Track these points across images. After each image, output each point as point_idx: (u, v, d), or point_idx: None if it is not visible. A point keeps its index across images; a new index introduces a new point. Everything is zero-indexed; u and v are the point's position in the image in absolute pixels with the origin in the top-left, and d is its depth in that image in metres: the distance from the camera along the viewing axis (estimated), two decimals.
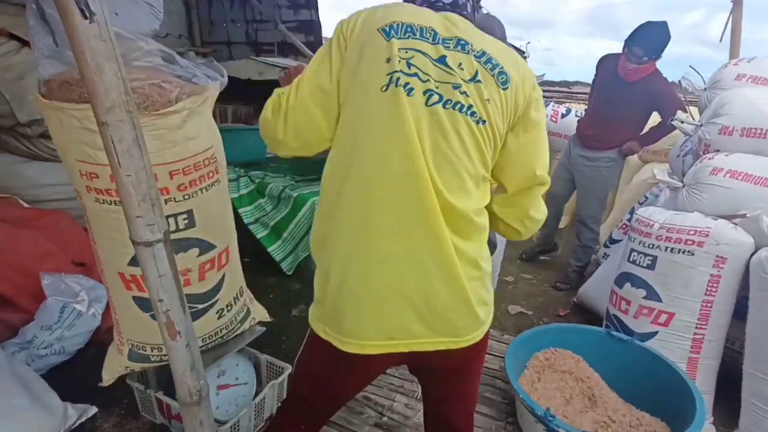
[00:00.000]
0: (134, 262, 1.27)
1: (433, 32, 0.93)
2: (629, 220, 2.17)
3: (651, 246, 1.96)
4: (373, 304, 0.96)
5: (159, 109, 1.21)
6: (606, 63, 2.97)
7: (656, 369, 1.79)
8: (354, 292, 0.96)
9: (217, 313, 1.57)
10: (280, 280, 2.92)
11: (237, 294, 1.66)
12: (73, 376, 1.92)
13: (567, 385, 1.86)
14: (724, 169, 1.94)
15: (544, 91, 4.05)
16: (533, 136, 1.02)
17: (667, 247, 1.90)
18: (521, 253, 3.75)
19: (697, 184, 2.00)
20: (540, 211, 1.12)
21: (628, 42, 2.70)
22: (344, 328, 0.98)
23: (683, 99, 2.71)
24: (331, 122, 0.99)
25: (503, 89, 0.94)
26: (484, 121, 0.93)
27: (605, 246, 3.29)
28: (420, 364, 1.10)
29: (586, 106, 3.87)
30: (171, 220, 1.33)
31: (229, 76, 4.15)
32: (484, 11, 2.40)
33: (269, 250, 2.91)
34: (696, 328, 1.86)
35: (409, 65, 0.91)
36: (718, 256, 1.80)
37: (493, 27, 1.77)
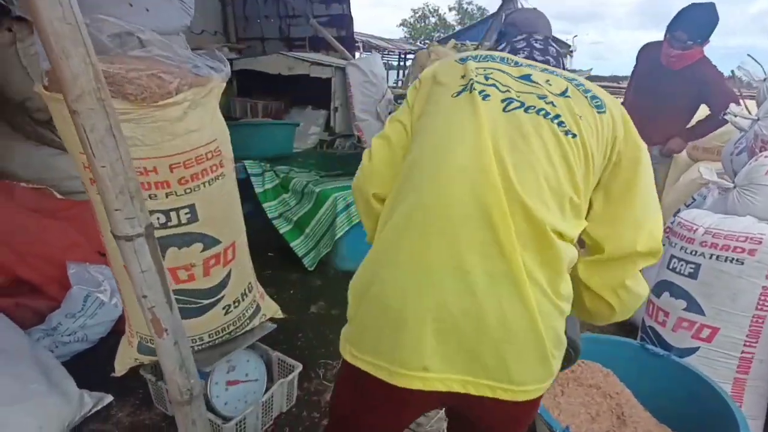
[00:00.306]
0: None
1: (514, 61, 0.94)
2: (672, 223, 1.98)
3: (694, 253, 1.77)
4: (406, 320, 0.78)
5: (158, 100, 1.18)
6: (648, 51, 2.74)
7: (696, 389, 1.62)
8: (385, 303, 0.81)
9: (223, 309, 1.54)
10: (301, 275, 2.90)
11: (245, 290, 1.63)
12: (94, 364, 1.96)
13: (593, 400, 1.71)
14: None
15: None
16: (636, 182, 0.86)
17: (712, 255, 1.71)
18: None
19: (750, 185, 1.79)
20: (641, 284, 0.91)
21: (671, 26, 2.47)
22: (367, 345, 0.84)
23: (738, 92, 2.45)
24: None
25: (598, 112, 0.85)
26: (574, 135, 0.82)
27: None
28: (459, 409, 0.90)
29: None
30: (173, 214, 1.31)
31: (259, 72, 4.20)
32: (528, 5, 2.24)
33: (292, 245, 2.89)
34: (744, 345, 1.67)
35: (486, 77, 0.88)
36: None
37: (536, 21, 1.64)
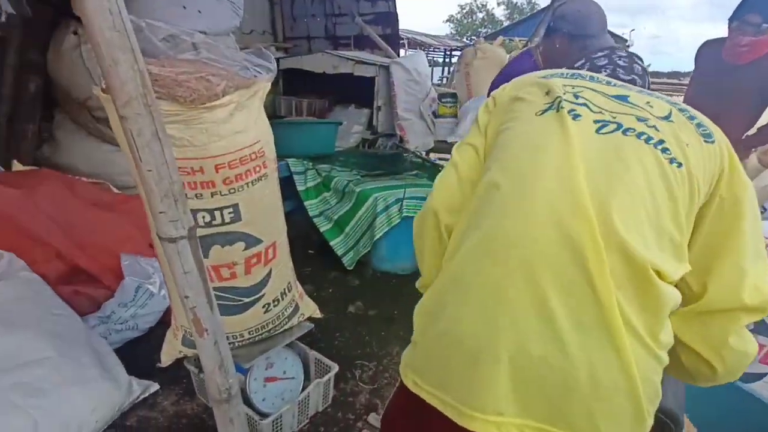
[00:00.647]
0: None
1: (606, 80, 0.87)
2: None
3: None
4: (480, 359, 0.71)
5: (205, 102, 1.20)
6: (708, 48, 2.53)
7: (762, 420, 1.48)
8: (455, 336, 0.74)
9: (263, 307, 1.57)
10: (340, 274, 2.91)
11: (285, 289, 1.65)
12: (142, 353, 2.06)
13: None
14: None
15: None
16: (742, 224, 0.75)
17: None
18: None
19: None
20: (747, 341, 0.78)
21: (738, 12, 2.27)
22: (432, 376, 0.77)
23: None
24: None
25: (706, 142, 0.75)
26: (680, 164, 0.72)
27: None
28: None
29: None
30: (217, 213, 1.34)
31: (304, 70, 4.25)
32: None
33: (331, 244, 2.91)
34: None
35: (575, 96, 0.80)
36: None
37: (589, 15, 1.55)
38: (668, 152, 0.72)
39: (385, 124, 3.91)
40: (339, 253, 2.89)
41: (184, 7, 2.70)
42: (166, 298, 2.22)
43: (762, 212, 2.59)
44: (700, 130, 0.77)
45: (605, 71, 0.96)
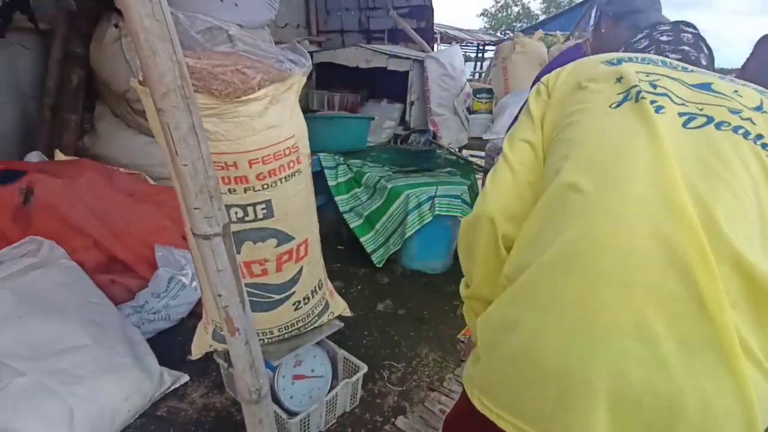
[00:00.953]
0: None
1: (681, 65, 0.78)
2: None
3: None
4: (569, 387, 0.63)
5: (240, 95, 1.18)
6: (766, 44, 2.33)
7: None
8: (534, 358, 0.67)
9: (293, 305, 1.54)
10: (369, 271, 2.88)
11: (315, 287, 1.62)
12: (173, 343, 2.08)
13: None
14: None
15: None
16: None
17: None
18: None
19: None
20: None
21: None
22: (503, 399, 0.70)
23: None
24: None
25: None
26: None
27: None
28: None
29: None
30: (250, 209, 1.31)
31: (337, 64, 4.22)
32: None
33: (361, 240, 2.88)
34: None
35: (653, 85, 0.72)
36: None
37: None
38: None
39: (417, 120, 3.84)
40: (369, 249, 2.86)
41: (221, 0, 2.71)
42: (197, 290, 2.24)
43: None
44: None
45: (675, 55, 0.85)
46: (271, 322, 1.54)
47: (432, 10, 4.51)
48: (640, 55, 0.81)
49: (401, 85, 3.84)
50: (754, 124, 0.67)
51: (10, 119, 3.02)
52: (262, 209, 1.32)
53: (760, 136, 0.66)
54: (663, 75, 0.74)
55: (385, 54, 3.80)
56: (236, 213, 1.31)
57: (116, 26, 2.64)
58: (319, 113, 3.95)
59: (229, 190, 1.28)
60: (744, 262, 0.58)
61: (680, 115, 0.68)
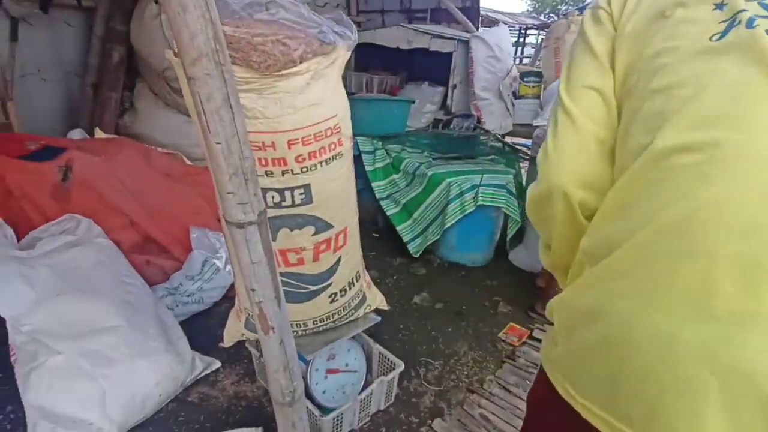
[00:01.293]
0: None
1: None
2: None
3: None
4: (675, 384, 0.54)
5: (281, 69, 1.07)
6: None
7: None
8: (628, 349, 0.57)
9: (330, 297, 1.45)
10: (405, 261, 2.77)
11: (353, 279, 1.52)
12: (205, 327, 2.05)
13: None
14: None
15: None
16: None
17: None
18: None
19: None
20: None
21: None
22: (591, 390, 0.62)
23: None
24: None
25: None
26: None
27: None
28: None
29: None
30: (287, 193, 1.22)
31: (376, 45, 4.05)
32: None
33: (398, 228, 2.77)
34: None
35: (765, 6, 0.56)
36: None
37: None
38: None
39: (459, 104, 3.65)
40: (405, 239, 2.74)
41: None
42: (230, 274, 2.20)
43: None
44: None
45: None
46: (306, 313, 1.46)
47: None
48: None
49: (444, 67, 3.65)
50: None
51: (54, 96, 3.05)
52: (301, 194, 1.23)
53: None
54: None
55: (428, 34, 3.61)
56: (273, 197, 1.21)
57: (156, 2, 2.58)
58: (358, 95, 3.83)
59: (266, 173, 1.18)
60: None
61: None
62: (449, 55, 3.57)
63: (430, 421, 1.66)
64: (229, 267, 2.20)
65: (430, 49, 3.61)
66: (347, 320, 1.60)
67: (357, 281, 1.55)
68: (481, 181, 2.52)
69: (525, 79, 3.77)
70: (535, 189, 0.73)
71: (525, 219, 2.77)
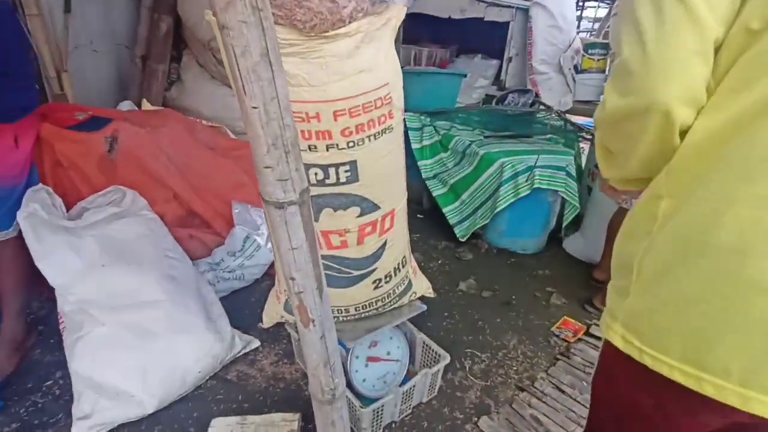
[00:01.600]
0: None
1: None
2: None
3: None
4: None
5: (328, 29, 0.95)
6: None
7: None
8: (747, 306, 0.52)
9: (373, 283, 1.35)
10: (451, 245, 2.63)
11: (399, 264, 1.41)
12: (245, 305, 2.02)
13: None
14: None
15: None
16: None
17: None
18: None
19: None
20: None
21: None
22: (691, 350, 0.56)
23: None
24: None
25: None
26: None
27: None
28: None
29: None
30: (332, 170, 1.11)
31: (426, 15, 3.82)
32: None
33: (444, 210, 2.63)
34: None
35: None
36: None
37: None
38: None
39: (514, 79, 3.40)
40: (452, 221, 2.60)
41: None
42: (272, 252, 2.15)
43: None
44: None
45: None
46: (348, 299, 1.37)
47: None
48: None
49: (499, 38, 3.40)
50: None
51: (106, 68, 3.08)
52: (346, 171, 1.12)
53: None
54: None
55: (484, 2, 3.35)
56: (316, 174, 1.11)
57: None
58: (405, 68, 3.66)
59: (309, 147, 1.08)
60: None
61: None
62: (506, 24, 3.31)
63: (475, 419, 1.55)
64: (270, 245, 2.15)
65: (485, 19, 3.35)
66: (391, 308, 1.50)
67: (403, 267, 1.44)
68: (536, 162, 2.32)
69: (589, 52, 3.43)
70: (619, 103, 0.58)
71: (584, 205, 2.55)
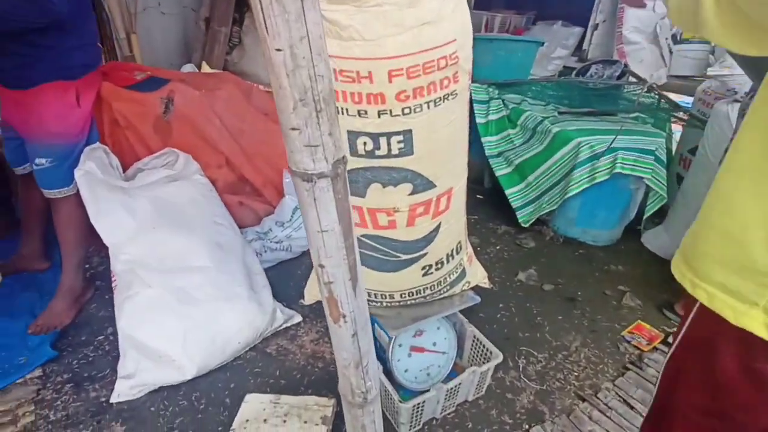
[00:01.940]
0: None
1: None
2: None
3: None
4: None
5: None
6: None
7: None
8: None
9: (423, 269, 1.22)
10: (512, 230, 2.42)
11: (453, 250, 1.26)
12: (288, 278, 1.96)
13: None
14: None
15: None
16: None
17: None
18: None
19: None
20: None
21: None
22: None
23: None
24: None
25: None
26: None
27: None
28: None
29: None
30: (382, 140, 0.97)
31: None
32: None
33: (507, 192, 2.41)
34: None
35: None
36: None
37: None
38: None
39: (599, 49, 3.02)
40: (515, 205, 2.38)
41: None
42: None
43: None
44: None
45: None
46: (393, 285, 1.25)
47: None
48: None
49: (584, 2, 3.02)
50: None
51: (173, 30, 3.10)
52: (399, 142, 0.97)
53: None
54: None
55: None
56: (364, 144, 0.98)
57: None
58: (474, 35, 3.38)
59: (358, 113, 0.94)
60: None
61: None
62: None
63: (526, 426, 1.40)
64: None
65: None
66: (441, 297, 1.36)
67: (457, 254, 1.29)
68: (613, 142, 2.03)
69: None
70: None
71: (672, 195, 2.23)
